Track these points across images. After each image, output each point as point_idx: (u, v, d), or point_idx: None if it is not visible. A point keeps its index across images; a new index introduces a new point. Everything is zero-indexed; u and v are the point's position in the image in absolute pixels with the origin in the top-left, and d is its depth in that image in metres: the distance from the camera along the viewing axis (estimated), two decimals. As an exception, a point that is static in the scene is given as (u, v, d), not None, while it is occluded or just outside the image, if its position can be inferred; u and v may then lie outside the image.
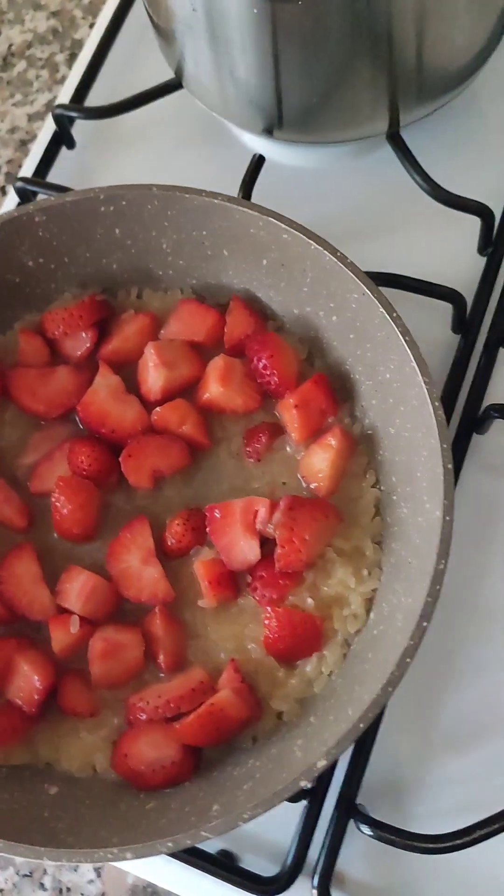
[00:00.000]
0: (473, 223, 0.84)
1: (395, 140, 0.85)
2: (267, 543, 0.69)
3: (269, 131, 0.85)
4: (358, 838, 0.71)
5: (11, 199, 0.96)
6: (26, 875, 0.77)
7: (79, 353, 0.78)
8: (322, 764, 0.57)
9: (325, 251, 0.69)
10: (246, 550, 0.68)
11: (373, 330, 0.69)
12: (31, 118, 1.04)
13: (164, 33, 0.85)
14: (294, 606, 0.68)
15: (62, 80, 1.05)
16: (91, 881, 0.76)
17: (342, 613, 0.68)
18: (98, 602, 0.69)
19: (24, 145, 1.03)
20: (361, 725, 0.57)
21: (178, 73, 0.87)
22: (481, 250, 0.86)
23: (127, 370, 0.77)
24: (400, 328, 0.66)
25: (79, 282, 0.79)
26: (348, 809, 0.70)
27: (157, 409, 0.74)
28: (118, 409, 0.74)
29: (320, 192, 0.90)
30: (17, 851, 0.58)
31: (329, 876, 0.69)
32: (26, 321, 0.79)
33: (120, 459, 0.72)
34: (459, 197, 0.83)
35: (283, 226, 0.70)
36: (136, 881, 0.76)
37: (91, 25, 1.07)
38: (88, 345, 0.77)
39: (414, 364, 0.65)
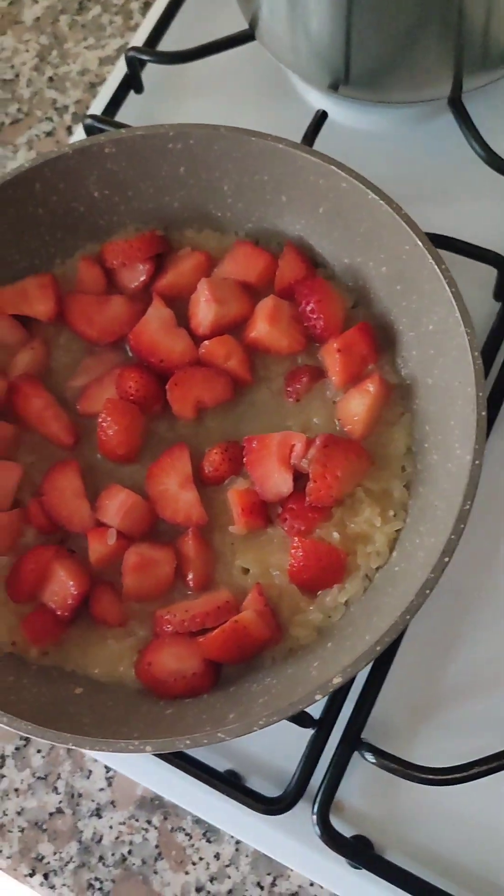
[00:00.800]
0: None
1: (456, 105, 0.87)
2: (300, 478, 0.72)
3: (334, 87, 0.88)
4: (359, 771, 0.74)
5: (78, 138, 0.99)
6: (41, 777, 0.81)
7: (134, 284, 0.81)
8: (338, 680, 0.60)
9: (382, 202, 0.71)
10: (279, 482, 0.71)
11: (420, 282, 0.72)
12: (102, 62, 1.07)
13: (241, -17, 0.87)
14: (320, 539, 0.71)
15: (135, 28, 1.08)
16: (102, 789, 0.80)
17: (366, 550, 0.71)
18: (135, 519, 0.73)
19: (92, 87, 1.06)
20: (378, 648, 0.60)
21: (253, 23, 0.89)
22: (531, 222, 0.88)
23: (178, 304, 0.80)
24: (447, 279, 0.68)
25: (140, 217, 0.82)
26: (353, 742, 0.73)
27: (205, 342, 0.77)
28: (168, 341, 0.77)
29: (377, 154, 0.92)
30: (45, 736, 0.61)
31: (329, 802, 0.72)
32: (87, 250, 0.82)
33: (166, 388, 0.75)
34: (516, 165, 0.85)
35: (343, 174, 0.73)
36: (145, 792, 0.80)
37: (167, -26, 1.09)
38: (144, 277, 0.80)
39: (458, 315, 0.67)
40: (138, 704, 0.68)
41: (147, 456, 0.77)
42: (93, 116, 0.93)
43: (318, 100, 0.95)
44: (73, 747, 0.61)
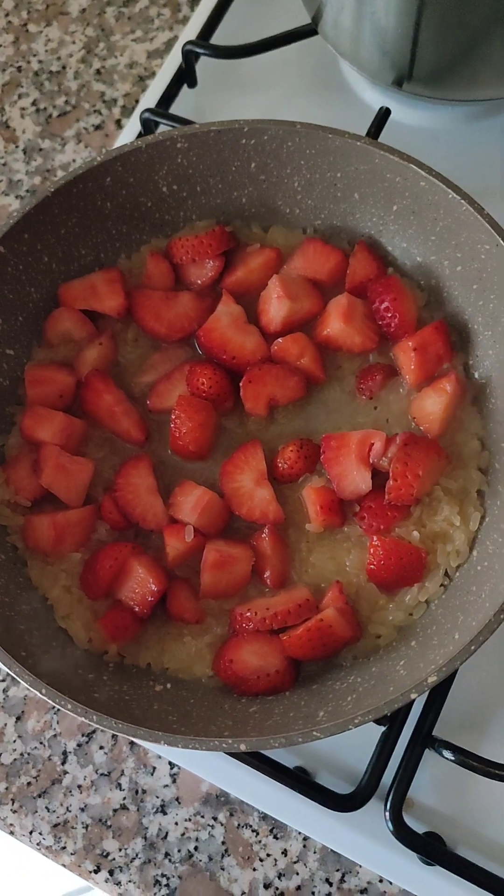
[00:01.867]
0: None
1: (523, 105, 0.87)
2: (377, 476, 0.72)
3: (398, 83, 0.87)
4: (429, 769, 0.75)
5: (131, 130, 0.98)
6: (104, 774, 0.81)
7: (202, 280, 0.80)
8: (433, 679, 0.60)
9: (464, 201, 0.71)
10: (358, 480, 0.71)
11: (500, 281, 0.72)
12: (151, 55, 1.06)
13: (307, -22, 0.86)
14: (399, 538, 0.71)
15: (184, 21, 1.07)
16: (166, 786, 0.80)
17: (446, 549, 0.71)
18: (211, 516, 0.72)
19: (141, 81, 1.05)
20: (473, 647, 0.61)
21: (316, 17, 0.89)
22: None
23: (247, 301, 0.79)
24: (532, 281, 0.68)
25: (207, 212, 0.82)
26: (425, 739, 0.73)
27: (279, 339, 0.76)
28: (239, 337, 0.76)
29: (438, 152, 0.91)
30: (137, 734, 0.61)
31: (402, 800, 0.72)
32: (153, 245, 0.82)
33: (240, 385, 0.75)
34: None
35: (423, 173, 0.73)
36: (210, 788, 0.80)
37: (216, -32, 1.08)
38: (212, 273, 0.80)
39: (543, 316, 0.67)
40: (221, 702, 0.68)
41: (218, 452, 0.77)
42: (150, 110, 0.92)
43: (375, 98, 0.95)
44: (166, 745, 0.61)
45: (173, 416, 0.75)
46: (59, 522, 0.72)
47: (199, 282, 0.80)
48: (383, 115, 0.88)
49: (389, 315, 0.76)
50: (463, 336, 0.77)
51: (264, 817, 0.78)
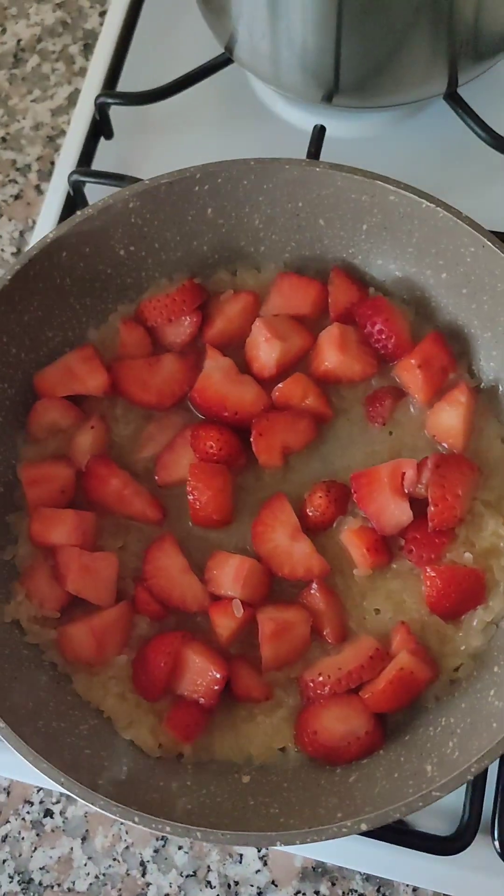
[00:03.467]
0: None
1: (454, 99, 0.86)
2: (415, 504, 0.69)
3: (328, 99, 0.85)
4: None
5: (56, 195, 0.93)
6: (190, 875, 0.75)
7: (181, 339, 0.76)
8: (539, 705, 0.58)
9: (440, 208, 0.69)
10: (397, 513, 0.68)
11: (492, 281, 0.70)
12: (55, 113, 1.01)
13: (215, 6, 0.83)
14: (452, 563, 0.68)
15: (81, 72, 1.02)
16: (258, 871, 0.75)
17: (501, 563, 0.68)
18: (254, 584, 0.68)
19: (51, 141, 1.00)
20: None
21: (230, 45, 0.86)
22: (543, 199, 0.88)
23: (232, 351, 0.76)
24: (529, 275, 0.67)
25: (168, 268, 0.78)
26: (515, 760, 0.71)
27: (279, 385, 0.73)
28: (236, 391, 0.73)
29: (379, 158, 0.88)
30: (248, 841, 0.57)
31: (508, 827, 0.70)
32: (121, 312, 0.77)
33: (251, 440, 0.71)
34: (526, 147, 0.84)
35: (392, 187, 0.70)
36: (305, 863, 0.75)
37: (101, 14, 1.05)
38: (191, 330, 0.76)
39: (549, 307, 0.66)
40: (316, 778, 0.64)
41: (243, 514, 0.72)
42: (77, 171, 0.88)
43: (301, 117, 0.93)
44: (281, 845, 0.56)
45: (189, 488, 0.70)
46: (97, 627, 0.67)
47: (178, 341, 0.76)
48: (319, 133, 0.86)
49: (384, 336, 0.73)
50: (462, 343, 0.75)
51: (367, 878, 0.74)
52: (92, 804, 0.58)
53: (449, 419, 0.71)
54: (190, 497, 0.70)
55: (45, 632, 0.69)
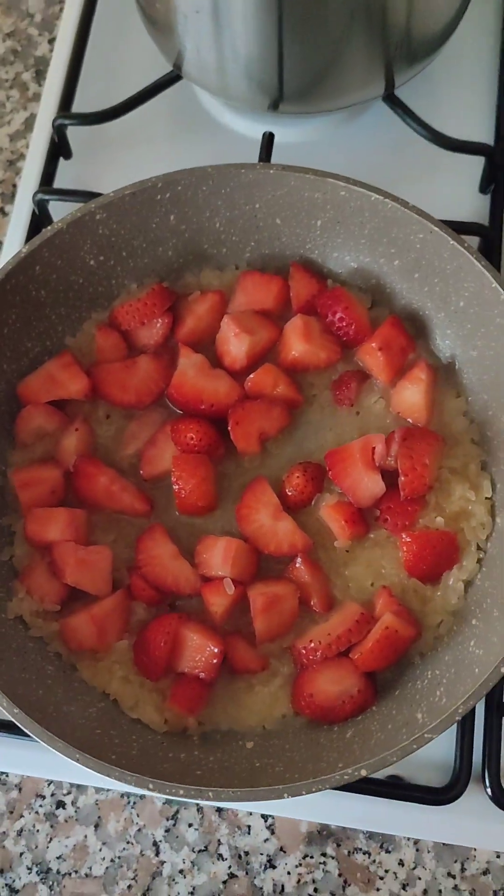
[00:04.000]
0: (469, 166, 0.92)
1: (392, 100, 0.92)
2: (386, 476, 0.74)
3: (274, 107, 0.90)
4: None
5: (20, 215, 0.97)
6: (202, 850, 0.79)
7: (154, 340, 0.80)
8: (518, 646, 0.62)
9: (388, 199, 0.74)
10: (371, 485, 0.73)
11: (441, 264, 0.75)
12: (13, 138, 1.05)
13: (161, 26, 0.88)
14: (425, 528, 0.73)
15: (35, 98, 1.06)
16: (266, 839, 0.79)
17: (470, 524, 0.73)
18: (242, 563, 0.72)
19: (11, 165, 1.04)
20: (544, 607, 0.63)
21: (178, 62, 0.91)
22: (483, 189, 0.93)
23: (202, 348, 0.80)
24: (474, 255, 0.72)
25: (136, 274, 0.82)
26: (500, 707, 0.75)
27: (251, 376, 0.77)
28: (210, 385, 0.77)
29: (326, 160, 0.93)
30: (256, 796, 0.60)
31: (498, 774, 0.74)
32: (95, 320, 0.81)
33: (229, 429, 0.76)
34: (463, 141, 0.90)
35: (342, 183, 0.75)
36: (310, 827, 0.79)
37: (50, 41, 1.09)
38: (163, 331, 0.80)
39: (496, 285, 0.71)
40: (316, 738, 0.68)
41: (226, 501, 0.77)
42: (41, 190, 0.92)
43: (249, 126, 0.98)
44: (289, 797, 0.60)
45: (174, 478, 0.74)
46: (97, 615, 0.70)
47: (151, 342, 0.80)
48: (269, 139, 0.91)
49: (345, 324, 0.78)
50: (418, 325, 0.80)
51: (370, 836, 0.78)
52: (108, 776, 0.61)
53: (412, 396, 0.76)
54: (175, 487, 0.74)
55: (47, 625, 0.72)
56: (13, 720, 0.63)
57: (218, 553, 0.72)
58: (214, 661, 0.69)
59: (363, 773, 0.60)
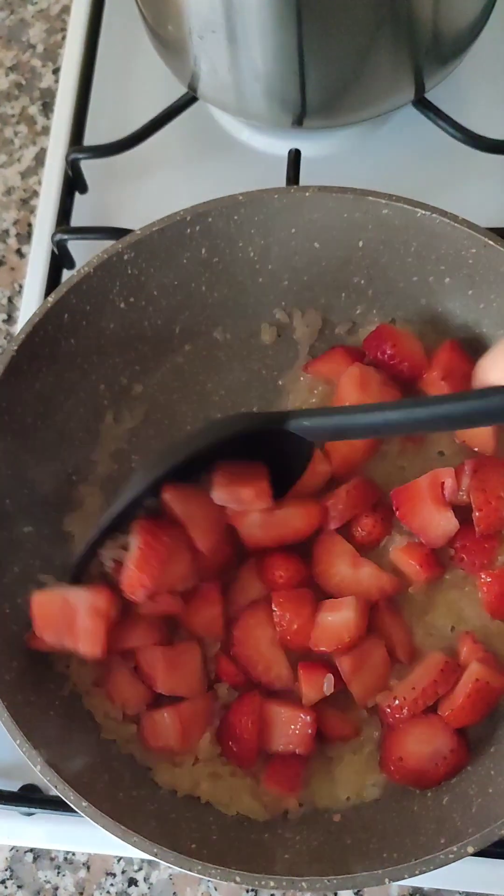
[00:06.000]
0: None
1: (424, 104, 0.87)
2: (458, 512, 0.68)
3: (298, 122, 0.85)
4: None
5: (38, 256, 0.92)
6: (286, 921, 0.74)
7: None
8: None
9: (435, 214, 0.69)
10: (443, 524, 0.68)
11: (497, 280, 0.70)
12: (24, 175, 1.01)
13: (173, 48, 0.83)
14: (504, 565, 0.68)
15: (44, 131, 1.02)
16: (354, 905, 0.74)
17: None
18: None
19: (25, 204, 0.99)
20: None
21: (193, 83, 0.86)
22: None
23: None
24: (535, 267, 0.67)
25: (170, 312, 0.77)
26: None
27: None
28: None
29: (358, 172, 0.90)
30: (355, 883, 0.55)
31: None
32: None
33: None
34: (501, 140, 0.85)
35: (384, 201, 0.70)
36: (401, 891, 0.74)
37: (55, 71, 1.04)
38: None
39: None
40: (408, 806, 0.63)
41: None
42: (60, 230, 0.87)
43: (272, 143, 0.93)
44: (391, 882, 0.55)
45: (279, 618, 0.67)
46: (185, 714, 0.65)
47: None
48: (295, 157, 0.86)
49: (397, 360, 0.72)
50: (474, 344, 0.74)
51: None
52: (190, 870, 0.56)
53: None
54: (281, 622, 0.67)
55: (123, 727, 0.67)
56: (82, 815, 0.58)
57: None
58: (309, 731, 0.64)
59: (470, 850, 0.55)
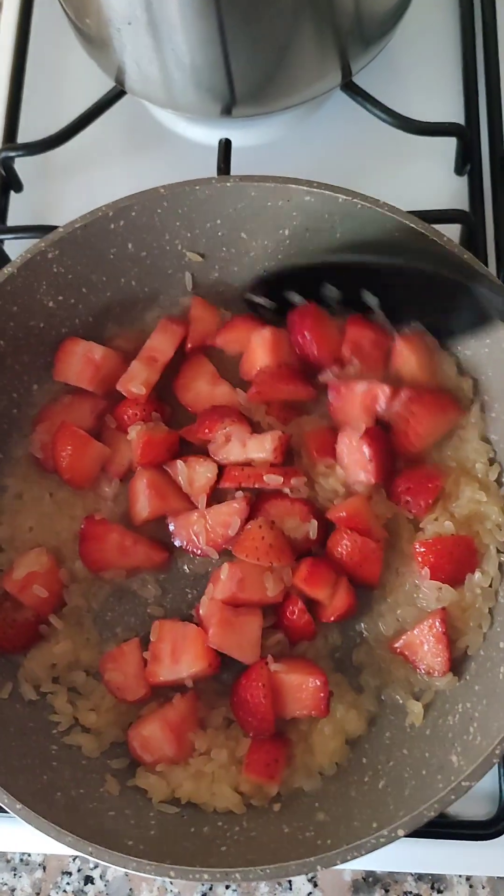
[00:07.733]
0: (441, 148, 0.86)
1: (351, 88, 0.86)
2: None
3: (227, 112, 0.84)
4: None
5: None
6: (242, 909, 0.74)
7: None
8: None
9: (356, 200, 0.69)
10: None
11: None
12: (-41, 177, 1.00)
13: (96, 42, 0.83)
14: (437, 534, 0.68)
15: (-24, 134, 1.01)
16: (310, 893, 0.74)
17: (485, 526, 0.68)
18: None
19: (-40, 205, 0.99)
20: None
21: (120, 77, 0.85)
22: (459, 171, 0.88)
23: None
24: (457, 248, 0.67)
25: (100, 308, 0.77)
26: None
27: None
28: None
29: (290, 159, 0.90)
30: (287, 872, 0.56)
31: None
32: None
33: None
34: (432, 123, 0.84)
35: (305, 188, 0.70)
36: (354, 876, 0.74)
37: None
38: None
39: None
40: (345, 792, 0.63)
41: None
42: (-1, 228, 0.87)
43: (203, 133, 0.92)
44: (322, 869, 0.55)
45: None
46: (173, 720, 0.66)
47: None
48: (226, 146, 0.85)
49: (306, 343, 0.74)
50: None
51: (419, 877, 0.73)
52: (125, 867, 0.56)
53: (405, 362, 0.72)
54: None
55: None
56: (16, 816, 0.58)
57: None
58: (321, 694, 0.64)
59: (400, 833, 0.55)
